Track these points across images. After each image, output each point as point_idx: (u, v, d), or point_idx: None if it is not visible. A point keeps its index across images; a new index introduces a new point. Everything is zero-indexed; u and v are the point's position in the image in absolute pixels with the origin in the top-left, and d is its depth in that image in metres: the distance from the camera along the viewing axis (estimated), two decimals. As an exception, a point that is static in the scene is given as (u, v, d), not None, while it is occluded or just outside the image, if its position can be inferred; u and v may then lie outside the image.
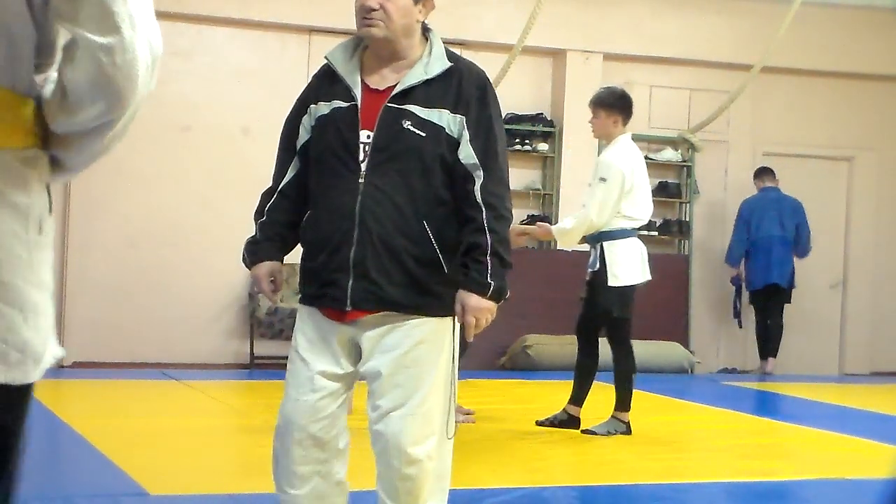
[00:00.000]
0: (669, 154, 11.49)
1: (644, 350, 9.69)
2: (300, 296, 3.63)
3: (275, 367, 10.13)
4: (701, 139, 11.23)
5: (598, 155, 7.09)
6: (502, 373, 10.23)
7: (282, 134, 3.66)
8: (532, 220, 11.04)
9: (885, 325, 12.13)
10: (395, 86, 3.44)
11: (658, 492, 5.65)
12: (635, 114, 11.83)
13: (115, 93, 1.80)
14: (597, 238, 6.87)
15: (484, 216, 3.40)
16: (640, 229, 7.01)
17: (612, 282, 6.81)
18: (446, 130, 3.39)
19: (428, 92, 3.42)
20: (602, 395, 7.09)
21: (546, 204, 11.18)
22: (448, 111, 3.40)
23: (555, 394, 7.92)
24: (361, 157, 3.41)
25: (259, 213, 3.63)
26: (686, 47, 11.36)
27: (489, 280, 3.39)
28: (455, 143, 3.40)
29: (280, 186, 3.60)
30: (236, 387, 9.48)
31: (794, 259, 11.21)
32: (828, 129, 12.02)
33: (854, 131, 12.09)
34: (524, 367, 10.27)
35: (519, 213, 11.07)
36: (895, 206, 12.25)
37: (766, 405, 9.53)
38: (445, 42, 3.60)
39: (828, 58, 11.69)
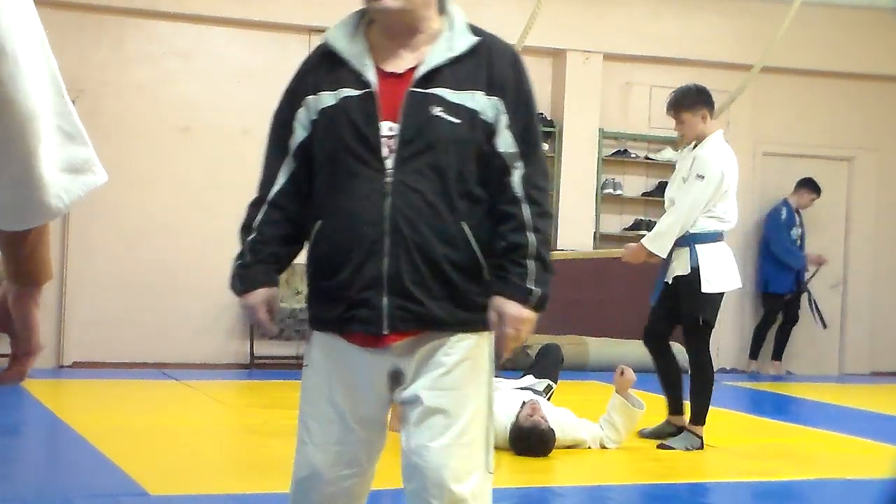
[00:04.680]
0: (669, 154, 11.48)
1: (645, 350, 9.69)
2: (312, 321, 3.04)
3: (275, 367, 10.14)
4: (701, 139, 11.22)
5: (691, 152, 6.77)
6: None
7: (270, 134, 3.09)
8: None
9: (885, 325, 12.13)
10: (414, 67, 2.91)
11: (658, 492, 5.65)
12: (636, 114, 11.90)
13: None
14: (687, 240, 6.50)
15: (526, 212, 2.90)
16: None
17: (707, 288, 6.43)
18: (481, 115, 2.89)
19: (456, 72, 2.90)
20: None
21: (546, 204, 11.17)
22: (482, 93, 2.89)
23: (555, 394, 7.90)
24: (385, 152, 2.87)
25: (246, 228, 3.05)
26: (686, 47, 11.37)
27: (532, 286, 2.91)
28: (490, 130, 2.90)
29: (270, 196, 3.03)
30: (236, 387, 9.48)
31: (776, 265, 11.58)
32: (828, 129, 12.02)
33: (854, 131, 12.10)
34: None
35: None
36: (895, 206, 12.25)
37: (765, 405, 9.53)
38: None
39: (828, 58, 11.70)
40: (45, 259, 1.69)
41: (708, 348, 6.61)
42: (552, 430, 6.16)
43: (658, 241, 6.54)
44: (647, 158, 11.53)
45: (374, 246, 2.86)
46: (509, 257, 2.91)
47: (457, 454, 2.91)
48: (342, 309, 2.91)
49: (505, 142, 2.91)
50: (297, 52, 10.29)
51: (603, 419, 6.54)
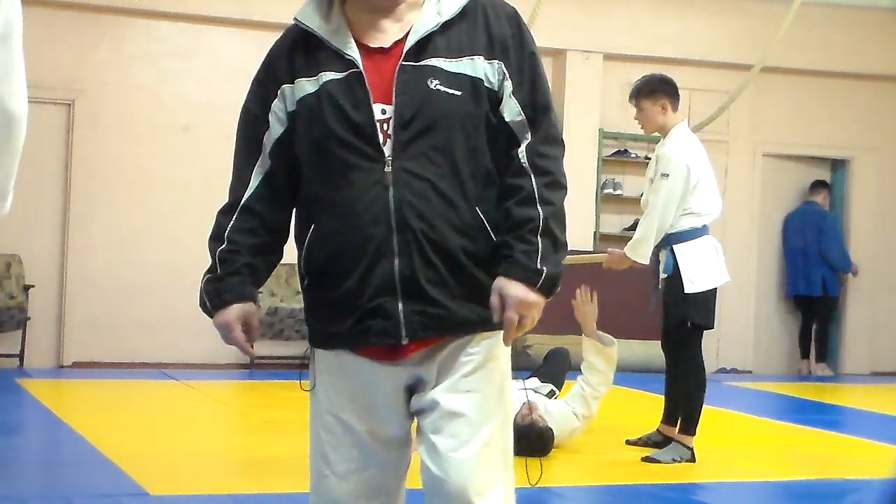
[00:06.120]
0: (669, 154, 11.49)
1: (644, 350, 9.72)
2: (316, 338, 2.68)
3: (274, 368, 10.14)
4: (701, 139, 11.18)
5: (656, 149, 6.51)
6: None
7: (239, 131, 2.72)
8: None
9: (885, 325, 12.13)
10: (402, 39, 2.57)
11: (658, 492, 5.64)
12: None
13: None
14: (665, 241, 6.17)
15: (534, 182, 2.56)
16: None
17: (689, 288, 6.08)
18: (485, 83, 2.56)
19: (449, 39, 2.57)
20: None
21: (546, 204, 11.18)
22: (482, 58, 2.56)
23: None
24: (381, 138, 2.53)
25: (216, 238, 2.72)
26: (686, 47, 11.36)
27: (539, 266, 2.55)
28: (495, 99, 2.57)
29: (243, 200, 2.67)
30: (236, 387, 9.48)
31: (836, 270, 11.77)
32: (828, 129, 12.02)
33: (854, 131, 12.10)
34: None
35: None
36: (895, 207, 12.25)
37: (765, 405, 9.53)
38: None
39: (828, 58, 11.70)
40: None
41: (699, 352, 6.25)
42: (550, 428, 6.16)
43: (637, 248, 6.21)
44: (648, 158, 11.50)
45: (382, 246, 2.52)
46: (515, 233, 2.55)
47: (479, 466, 2.62)
48: (353, 321, 2.56)
49: (511, 110, 2.58)
50: (297, 52, 10.35)
51: (582, 373, 6.41)
